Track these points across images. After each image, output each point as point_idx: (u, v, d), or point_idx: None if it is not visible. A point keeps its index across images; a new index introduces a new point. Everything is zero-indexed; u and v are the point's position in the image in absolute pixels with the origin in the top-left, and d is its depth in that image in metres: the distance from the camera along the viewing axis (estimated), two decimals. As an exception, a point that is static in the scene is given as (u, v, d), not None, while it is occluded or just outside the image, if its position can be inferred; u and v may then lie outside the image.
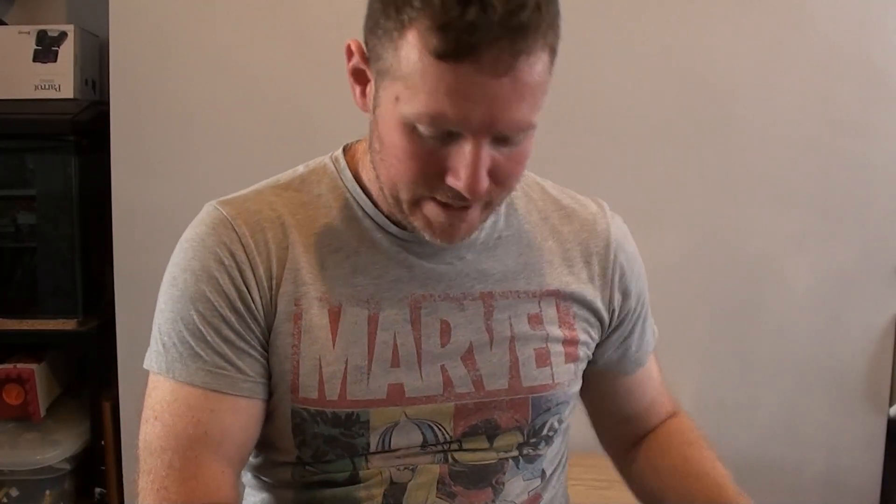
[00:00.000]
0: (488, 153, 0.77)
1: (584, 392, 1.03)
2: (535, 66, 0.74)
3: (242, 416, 0.87)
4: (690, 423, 1.10)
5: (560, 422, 0.98)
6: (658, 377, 1.10)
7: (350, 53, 0.84)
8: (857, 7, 1.82)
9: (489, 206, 0.85)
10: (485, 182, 0.78)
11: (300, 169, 0.97)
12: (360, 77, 0.84)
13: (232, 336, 0.87)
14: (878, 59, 1.83)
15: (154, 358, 0.89)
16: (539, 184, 1.02)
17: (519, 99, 0.74)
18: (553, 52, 0.77)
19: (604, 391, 1.06)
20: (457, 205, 0.81)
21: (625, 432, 1.10)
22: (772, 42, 1.83)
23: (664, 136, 1.86)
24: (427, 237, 0.85)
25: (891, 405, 1.90)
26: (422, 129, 0.77)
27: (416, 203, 0.83)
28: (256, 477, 0.98)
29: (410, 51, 0.74)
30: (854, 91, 1.84)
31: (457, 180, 0.78)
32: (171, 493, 0.83)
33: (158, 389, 0.88)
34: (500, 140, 0.78)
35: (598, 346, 1.02)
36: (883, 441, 1.92)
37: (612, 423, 1.10)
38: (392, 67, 0.76)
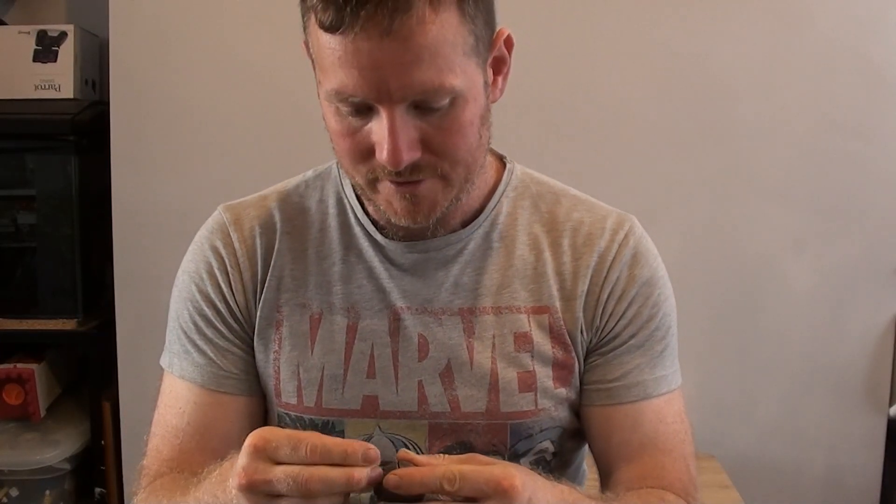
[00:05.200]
0: (410, 122, 0.77)
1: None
2: (426, 24, 0.73)
3: (226, 410, 0.91)
4: None
5: (558, 445, 0.92)
6: (654, 440, 0.90)
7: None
8: (857, 7, 1.82)
9: (446, 180, 0.82)
10: (406, 152, 0.77)
11: (309, 174, 0.99)
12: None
13: (215, 335, 0.92)
14: (878, 58, 1.83)
15: (164, 354, 0.95)
16: (555, 193, 0.96)
17: (415, 60, 0.73)
18: (463, 9, 0.75)
19: (581, 417, 0.94)
20: (401, 180, 0.80)
21: (601, 476, 0.95)
22: (772, 42, 1.83)
23: (664, 135, 1.86)
24: (393, 220, 0.84)
25: (891, 405, 1.90)
26: (339, 106, 0.78)
27: (372, 187, 0.83)
28: None
29: (313, 33, 0.77)
30: (854, 91, 1.83)
31: (380, 153, 0.77)
32: (152, 472, 0.90)
33: (163, 383, 0.94)
34: (421, 108, 0.77)
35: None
36: (883, 441, 1.92)
37: (595, 458, 0.96)
38: (313, 55, 0.80)
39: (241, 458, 0.68)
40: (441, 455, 0.74)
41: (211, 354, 0.91)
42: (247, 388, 0.92)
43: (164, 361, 0.95)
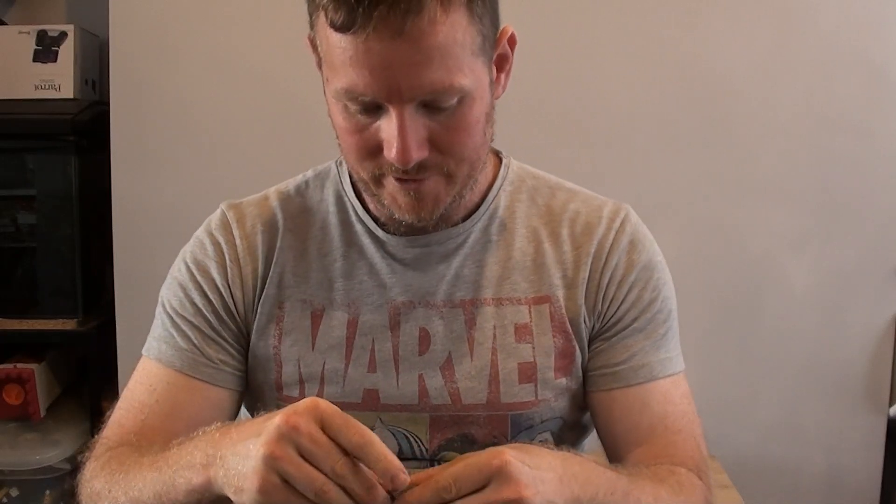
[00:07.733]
0: (419, 121, 0.77)
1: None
2: (437, 25, 0.73)
3: (197, 396, 0.91)
4: (689, 482, 0.87)
5: (557, 436, 0.93)
6: (663, 420, 0.90)
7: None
8: (858, 6, 1.82)
9: (450, 178, 0.83)
10: (415, 151, 0.77)
11: (309, 174, 1.00)
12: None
13: (203, 324, 0.92)
14: (878, 58, 1.83)
15: (147, 341, 0.95)
16: (551, 186, 0.98)
17: (425, 61, 0.74)
18: (471, 9, 0.76)
19: (588, 404, 0.95)
20: (407, 177, 0.81)
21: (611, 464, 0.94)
22: (772, 41, 1.83)
23: (664, 134, 1.86)
24: (397, 215, 0.85)
25: (891, 405, 1.90)
26: (348, 104, 0.78)
27: (377, 182, 0.84)
28: None
29: (322, 30, 0.77)
30: (854, 90, 1.83)
31: (388, 151, 0.78)
32: (111, 441, 0.88)
33: (138, 365, 0.94)
34: (430, 107, 0.77)
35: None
36: (883, 441, 1.92)
37: (605, 445, 0.96)
38: (321, 51, 0.80)
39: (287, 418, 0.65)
40: (434, 467, 0.73)
41: (195, 340, 0.91)
42: (223, 379, 0.92)
43: (144, 348, 0.95)
